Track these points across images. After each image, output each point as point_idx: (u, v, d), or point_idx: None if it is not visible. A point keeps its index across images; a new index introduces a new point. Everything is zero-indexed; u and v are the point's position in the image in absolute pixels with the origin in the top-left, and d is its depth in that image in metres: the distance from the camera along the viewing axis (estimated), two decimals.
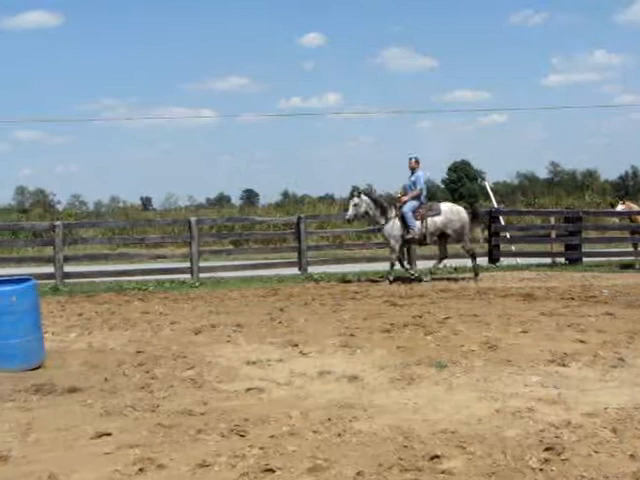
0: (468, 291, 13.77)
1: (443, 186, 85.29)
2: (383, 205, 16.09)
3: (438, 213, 16.10)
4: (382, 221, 16.00)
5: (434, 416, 5.85)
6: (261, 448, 5.09)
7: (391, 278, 15.95)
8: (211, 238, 23.22)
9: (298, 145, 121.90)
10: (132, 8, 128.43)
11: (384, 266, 17.42)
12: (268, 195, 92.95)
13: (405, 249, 16.95)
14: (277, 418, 5.85)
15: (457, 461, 4.79)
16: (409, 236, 15.90)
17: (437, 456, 4.84)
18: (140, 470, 4.73)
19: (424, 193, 16.33)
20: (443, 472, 4.60)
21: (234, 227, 28.49)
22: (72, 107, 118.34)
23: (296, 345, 8.85)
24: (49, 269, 16.06)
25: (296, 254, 18.21)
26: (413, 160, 16.27)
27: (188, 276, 16.66)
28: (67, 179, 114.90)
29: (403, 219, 15.85)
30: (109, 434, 5.52)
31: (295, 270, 17.76)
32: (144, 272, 16.91)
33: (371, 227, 18.02)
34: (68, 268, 16.24)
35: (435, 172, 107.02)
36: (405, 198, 16.11)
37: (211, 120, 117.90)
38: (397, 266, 16.24)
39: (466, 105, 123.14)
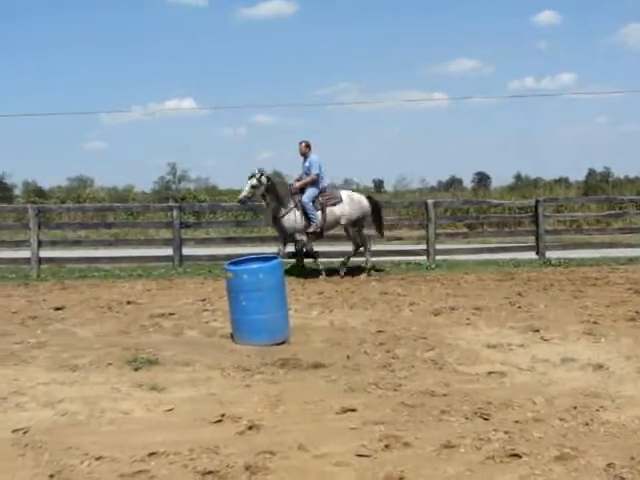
0: None
1: None
2: (280, 194, 14.42)
3: (339, 201, 14.80)
4: (280, 212, 14.40)
5: None
6: (506, 432, 5.04)
7: (323, 273, 14.72)
8: (446, 220, 23.15)
9: (530, 127, 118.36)
10: None
11: (624, 252, 16.76)
12: (500, 178, 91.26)
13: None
14: (521, 403, 5.77)
15: None
16: (310, 229, 14.48)
17: None
18: (386, 447, 4.80)
19: (322, 178, 14.89)
20: None
21: (469, 210, 28.26)
22: (308, 91, 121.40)
23: (537, 330, 8.68)
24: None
25: (533, 238, 17.81)
26: (303, 144, 14.92)
27: (424, 258, 16.67)
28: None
29: (304, 210, 14.45)
30: (354, 410, 5.65)
31: (532, 254, 17.34)
32: (380, 253, 17.08)
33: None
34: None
35: None
36: (298, 184, 14.72)
37: (442, 103, 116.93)
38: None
39: None
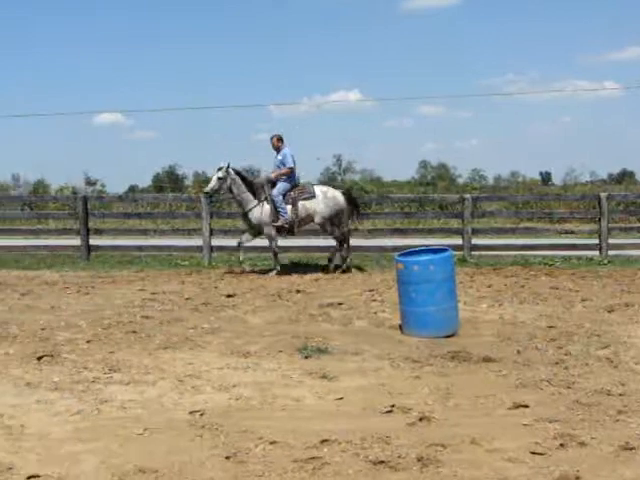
0: None
1: None
2: (253, 186, 14.32)
3: (312, 196, 14.27)
4: (250, 205, 14.22)
5: None
6: None
7: (278, 268, 14.35)
8: (620, 214, 22.31)
9: None
10: None
11: None
12: None
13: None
14: None
15: None
16: (278, 223, 14.13)
17: None
18: (561, 445, 4.68)
19: (295, 172, 14.49)
20: None
21: None
22: (475, 82, 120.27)
23: None
24: (456, 241, 16.40)
25: None
26: (275, 138, 14.56)
27: (596, 253, 16.14)
28: (467, 153, 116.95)
29: (273, 204, 14.13)
30: (526, 406, 5.54)
31: None
32: (550, 247, 16.67)
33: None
34: (475, 240, 16.47)
35: None
36: (273, 175, 14.37)
37: (613, 92, 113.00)
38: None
39: None
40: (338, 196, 14.58)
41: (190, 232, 17.88)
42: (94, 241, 17.22)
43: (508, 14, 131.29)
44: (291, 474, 4.30)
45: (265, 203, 14.16)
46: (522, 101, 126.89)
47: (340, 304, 10.16)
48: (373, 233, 18.53)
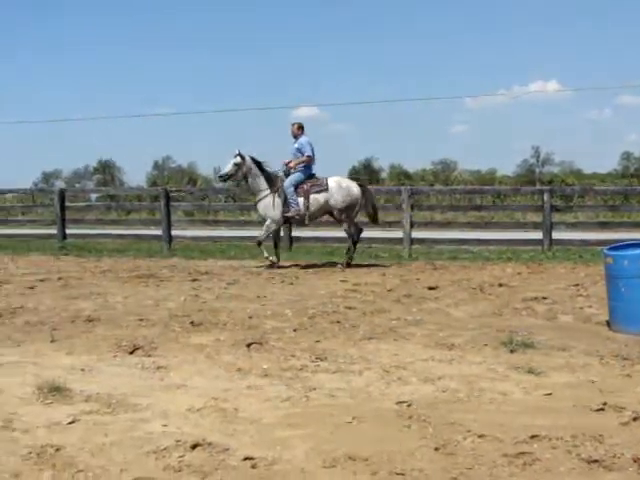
0: None
1: None
2: (269, 175, 14.42)
3: (324, 189, 14.13)
4: (262, 194, 14.35)
5: None
6: None
7: (272, 259, 14.41)
8: None
9: None
10: None
11: None
12: None
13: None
14: None
15: None
16: (289, 214, 14.16)
17: None
18: None
19: (312, 163, 14.45)
20: None
21: None
22: None
23: None
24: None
25: None
26: (296, 126, 14.55)
27: None
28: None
29: (284, 195, 14.12)
30: None
31: None
32: None
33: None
34: None
35: None
36: (292, 163, 14.28)
37: None
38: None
39: None
40: (352, 187, 14.48)
41: (390, 224, 17.99)
42: (296, 232, 17.69)
43: None
44: (501, 468, 4.26)
45: (276, 195, 14.22)
46: None
47: (544, 298, 9.98)
48: (576, 226, 18.02)
